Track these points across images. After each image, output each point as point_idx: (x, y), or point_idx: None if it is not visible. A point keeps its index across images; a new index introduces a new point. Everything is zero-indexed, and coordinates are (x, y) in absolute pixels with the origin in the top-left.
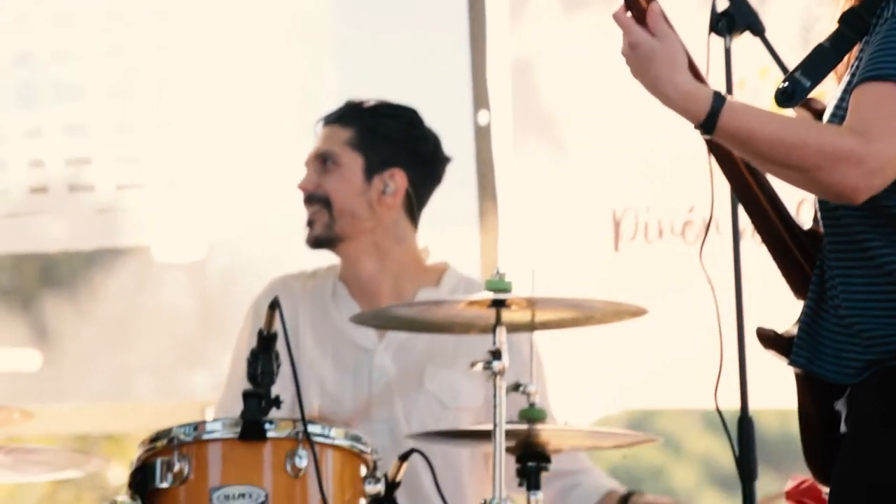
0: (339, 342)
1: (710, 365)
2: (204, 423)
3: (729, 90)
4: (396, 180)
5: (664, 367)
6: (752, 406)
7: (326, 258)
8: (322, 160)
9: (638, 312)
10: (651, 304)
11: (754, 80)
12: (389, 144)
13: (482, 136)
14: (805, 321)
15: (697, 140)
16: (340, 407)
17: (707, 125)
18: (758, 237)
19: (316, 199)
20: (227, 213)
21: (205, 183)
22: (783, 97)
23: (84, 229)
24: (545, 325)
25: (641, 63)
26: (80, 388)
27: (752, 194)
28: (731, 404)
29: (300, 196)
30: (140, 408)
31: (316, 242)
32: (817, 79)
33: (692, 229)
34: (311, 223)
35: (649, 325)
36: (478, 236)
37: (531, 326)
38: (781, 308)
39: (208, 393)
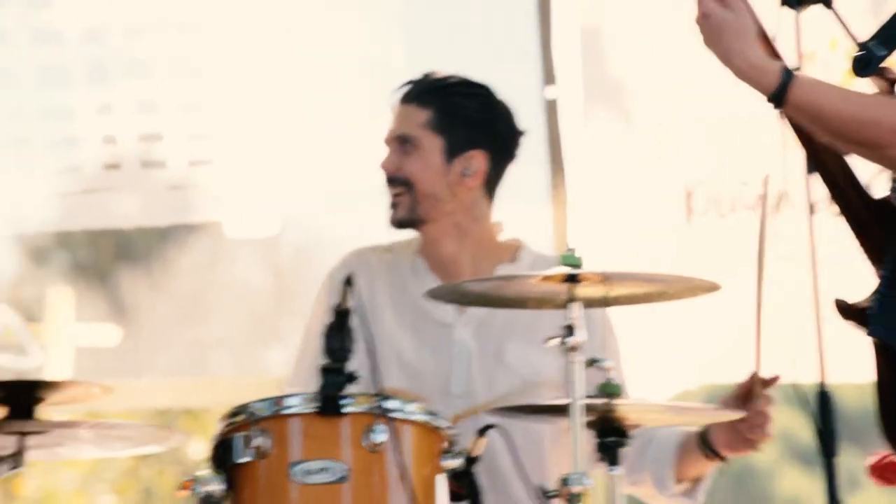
0: (418, 316)
1: (787, 338)
2: (282, 397)
3: (798, 62)
4: (476, 162)
5: (741, 341)
6: (831, 380)
7: (402, 232)
8: (402, 142)
9: (711, 288)
10: (725, 278)
11: (824, 53)
12: (468, 126)
13: (551, 110)
14: (882, 291)
15: (769, 112)
16: (419, 381)
17: (776, 99)
18: (833, 209)
19: (398, 181)
20: (299, 188)
21: (277, 158)
22: (859, 66)
23: (157, 205)
24: (619, 301)
25: (713, 33)
26: (158, 362)
27: (827, 162)
28: (810, 379)
29: (373, 170)
30: (217, 383)
31: (399, 224)
32: (893, 46)
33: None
34: (394, 205)
35: (725, 299)
36: (549, 211)
37: (605, 302)
38: (857, 280)
39: (283, 368)
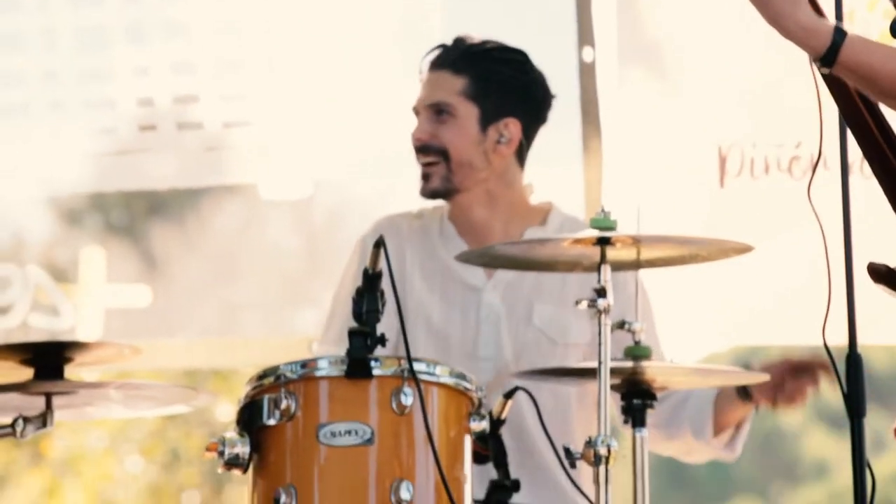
0: (447, 280)
1: (818, 301)
2: (310, 360)
3: (839, 21)
4: (511, 130)
5: (772, 303)
6: (861, 342)
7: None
8: (436, 110)
9: (744, 250)
10: (757, 240)
11: (863, 12)
12: (503, 93)
13: (587, 73)
14: None
15: (804, 74)
16: (447, 345)
17: (827, 59)
18: (866, 171)
19: (433, 150)
20: (333, 151)
21: (311, 121)
22: None
23: (192, 167)
24: (650, 263)
25: None
26: (188, 323)
27: (863, 123)
28: (840, 341)
29: (406, 134)
30: (247, 344)
31: (432, 194)
32: None
33: (799, 165)
34: (426, 176)
35: (756, 261)
36: (581, 174)
37: (636, 264)
38: (891, 244)
39: (313, 329)
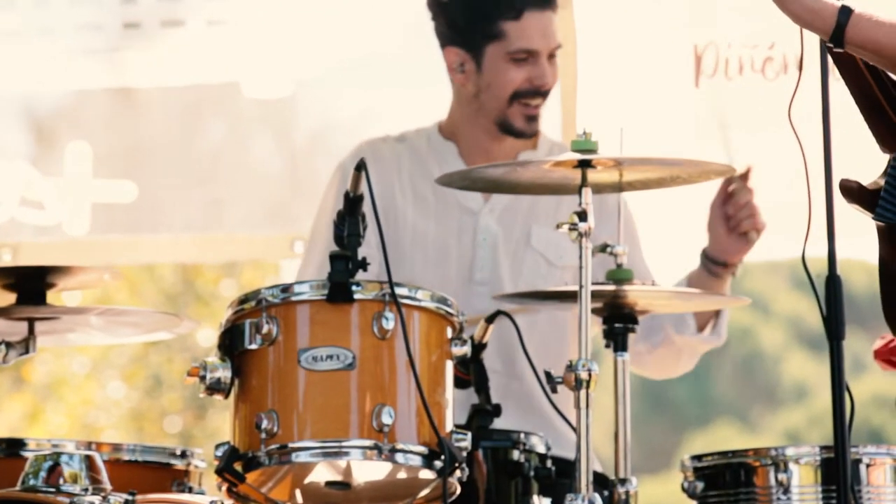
0: (441, 203)
1: (798, 215)
2: (291, 284)
3: None
4: None
5: None
6: (841, 256)
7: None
8: (551, 55)
9: (726, 172)
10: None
11: None
12: None
13: None
14: (892, 174)
15: None
16: (443, 269)
17: (834, 40)
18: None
19: (546, 94)
20: (315, 51)
21: (294, 20)
22: None
23: (175, 64)
24: (632, 186)
25: None
26: (174, 219)
27: (875, 100)
28: (819, 252)
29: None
30: (232, 238)
31: (533, 135)
32: None
33: (772, 66)
34: (534, 118)
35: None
36: (558, 93)
37: (618, 187)
38: (868, 159)
39: (296, 227)
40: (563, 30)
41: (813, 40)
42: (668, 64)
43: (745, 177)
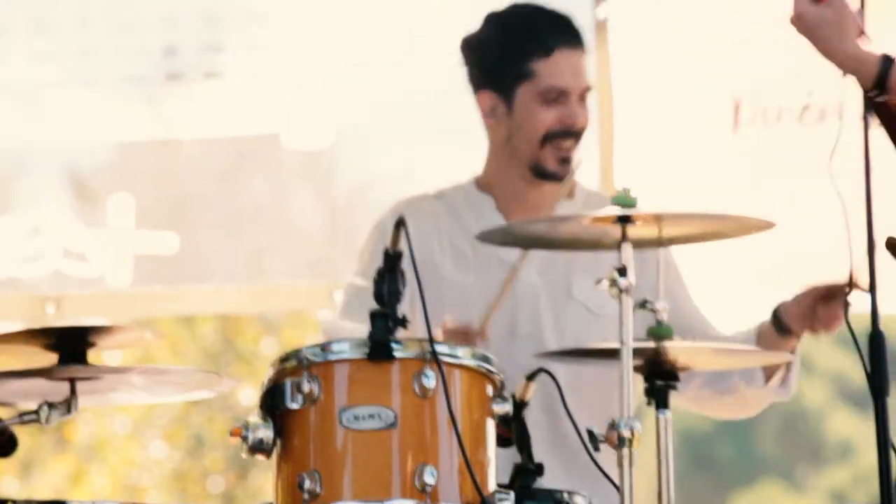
0: (481, 258)
1: (839, 267)
2: (331, 343)
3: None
4: None
5: (793, 274)
6: (884, 311)
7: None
8: (582, 95)
9: (766, 226)
10: (774, 193)
11: None
12: None
13: (601, 30)
14: None
15: None
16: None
17: (878, 86)
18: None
19: (580, 135)
20: (354, 100)
21: (333, 70)
22: None
23: (216, 115)
24: (672, 241)
25: (809, 31)
26: (216, 269)
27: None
28: (862, 310)
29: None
30: (275, 288)
31: (566, 177)
32: None
33: (810, 113)
34: (567, 160)
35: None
36: (596, 142)
37: (658, 242)
38: None
39: (338, 276)
40: (599, 74)
41: (852, 89)
42: (707, 111)
43: (850, 289)
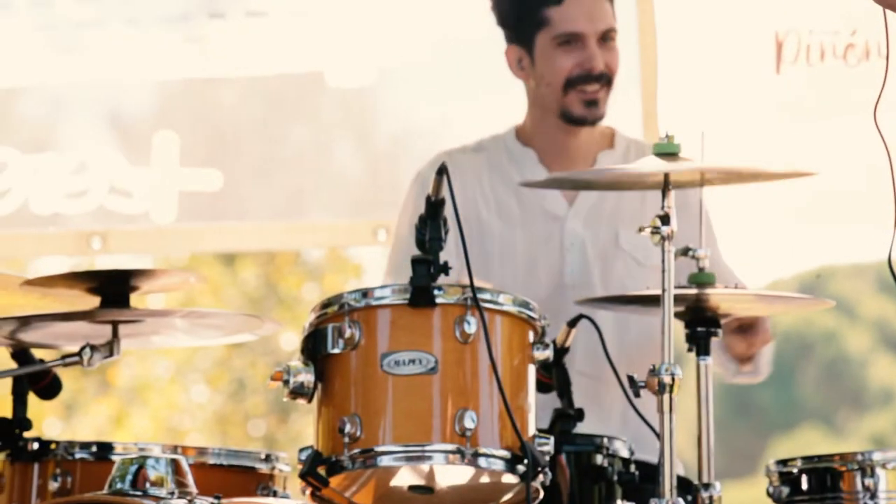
0: (526, 211)
1: (882, 212)
2: (373, 288)
3: None
4: None
5: (833, 221)
6: None
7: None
8: (604, 37)
9: (807, 174)
10: (813, 132)
11: None
12: None
13: None
14: None
15: None
16: (532, 276)
17: None
18: None
19: (604, 78)
20: (397, 39)
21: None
22: None
23: (259, 54)
24: (712, 182)
25: None
26: (258, 206)
27: None
28: None
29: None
30: (315, 227)
31: (600, 119)
32: None
33: (854, 52)
34: (595, 102)
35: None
36: (639, 89)
37: (700, 184)
38: None
39: (381, 214)
40: (642, 18)
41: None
42: (749, 51)
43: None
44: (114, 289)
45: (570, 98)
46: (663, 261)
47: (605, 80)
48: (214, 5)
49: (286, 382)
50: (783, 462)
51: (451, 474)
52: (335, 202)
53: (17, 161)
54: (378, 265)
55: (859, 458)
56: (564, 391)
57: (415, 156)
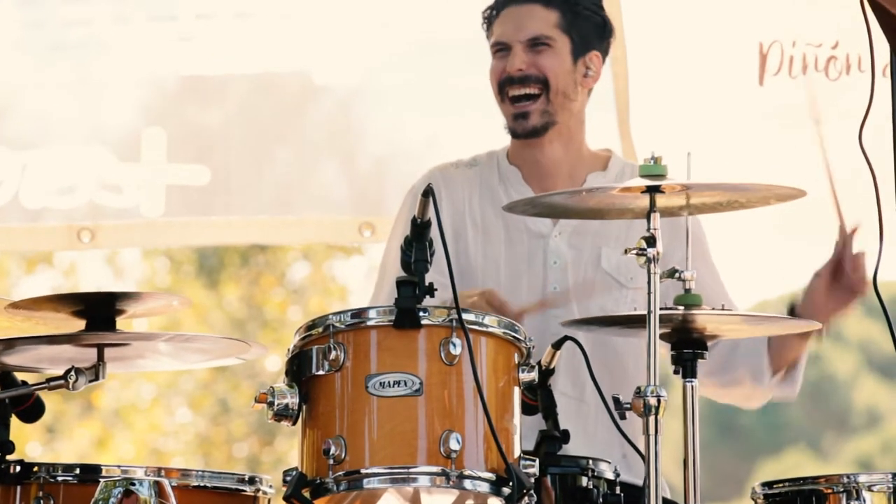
0: (511, 229)
1: (866, 234)
2: (359, 310)
3: None
4: (595, 63)
5: (818, 244)
6: None
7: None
8: (533, 44)
9: (796, 195)
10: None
11: None
12: (588, 27)
13: None
14: None
15: None
16: (515, 294)
17: None
18: None
19: (532, 80)
20: (383, 39)
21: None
22: None
23: (247, 53)
24: (700, 210)
25: None
26: (245, 201)
27: None
28: (891, 277)
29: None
30: (301, 223)
31: (532, 133)
32: None
33: (835, 66)
34: (524, 115)
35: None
36: (613, 103)
37: (686, 210)
38: None
39: (367, 211)
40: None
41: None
42: (733, 61)
43: (853, 233)
44: (99, 312)
45: (506, 111)
46: (649, 283)
47: (534, 81)
48: (202, 6)
49: (270, 404)
50: (769, 484)
51: (436, 496)
52: (321, 199)
53: (7, 156)
54: (362, 287)
55: (845, 480)
56: (550, 413)
57: (403, 148)
